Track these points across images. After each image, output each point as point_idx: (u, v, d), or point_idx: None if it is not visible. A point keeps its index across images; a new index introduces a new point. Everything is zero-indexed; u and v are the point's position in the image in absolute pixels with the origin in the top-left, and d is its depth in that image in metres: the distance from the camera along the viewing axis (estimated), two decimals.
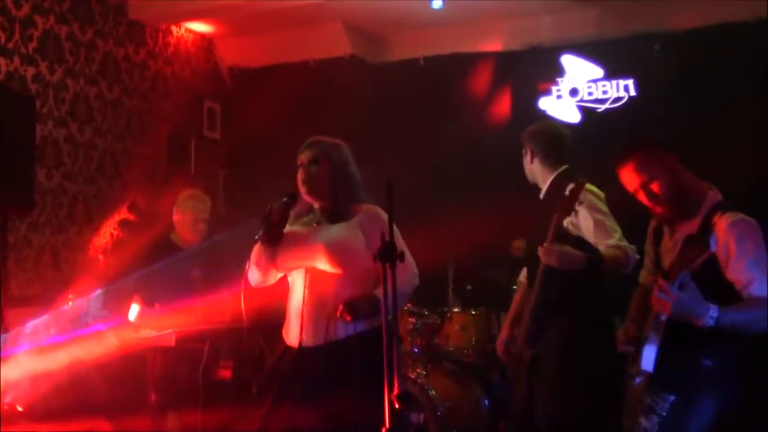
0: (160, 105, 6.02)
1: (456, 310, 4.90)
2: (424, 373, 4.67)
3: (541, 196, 3.77)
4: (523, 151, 3.82)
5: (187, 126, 6.24)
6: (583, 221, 3.46)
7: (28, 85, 5.02)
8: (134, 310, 4.35)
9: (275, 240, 3.11)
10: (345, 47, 6.18)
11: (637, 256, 3.36)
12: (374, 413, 2.42)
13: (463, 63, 5.97)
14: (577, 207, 3.32)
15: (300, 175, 3.18)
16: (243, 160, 6.40)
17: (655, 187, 2.84)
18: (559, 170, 3.70)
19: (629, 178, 2.90)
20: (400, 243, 3.02)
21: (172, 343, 4.14)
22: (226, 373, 4.47)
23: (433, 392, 4.50)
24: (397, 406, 2.34)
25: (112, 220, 5.56)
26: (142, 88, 5.89)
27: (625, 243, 3.46)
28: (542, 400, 3.57)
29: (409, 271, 3.07)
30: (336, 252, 3.05)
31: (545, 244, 3.39)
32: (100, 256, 5.41)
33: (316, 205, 3.23)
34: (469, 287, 5.10)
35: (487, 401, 4.73)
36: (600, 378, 3.49)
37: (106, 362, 4.25)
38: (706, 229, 2.73)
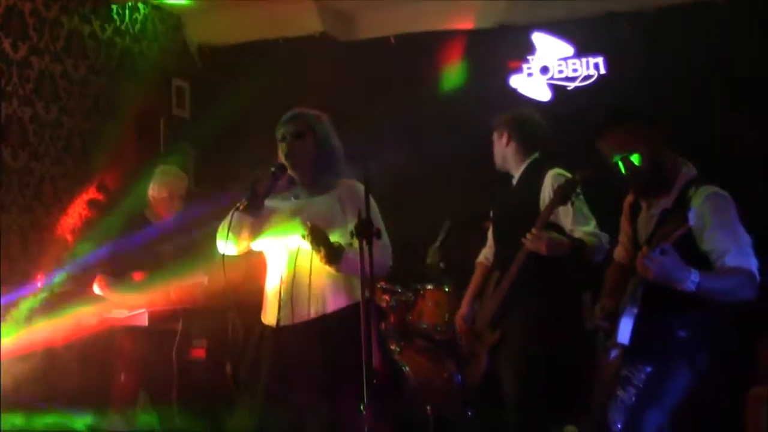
0: (128, 83, 5.93)
1: (429, 287, 4.92)
2: (398, 350, 4.71)
3: (514, 182, 3.81)
4: (498, 134, 3.84)
5: (156, 105, 6.15)
6: (562, 208, 3.49)
7: None
8: (101, 283, 4.31)
9: (256, 211, 3.05)
10: (315, 25, 6.13)
11: (609, 246, 3.41)
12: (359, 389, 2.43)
13: (434, 41, 5.94)
14: (573, 198, 3.36)
15: (283, 149, 3.11)
16: (213, 139, 6.33)
17: (635, 159, 2.88)
18: (532, 158, 3.77)
19: (610, 148, 2.93)
20: (378, 221, 2.99)
21: (145, 323, 4.12)
22: (200, 353, 4.46)
23: (407, 369, 4.54)
24: (375, 379, 2.36)
25: (81, 200, 5.48)
26: (109, 66, 5.78)
27: (599, 231, 3.52)
28: (509, 379, 3.62)
29: (383, 250, 3.01)
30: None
31: (534, 231, 3.42)
32: (68, 237, 5.34)
33: (297, 178, 3.16)
34: (442, 264, 5.13)
35: (459, 377, 4.77)
36: (567, 357, 3.55)
37: (79, 343, 4.20)
38: (682, 203, 2.78)
